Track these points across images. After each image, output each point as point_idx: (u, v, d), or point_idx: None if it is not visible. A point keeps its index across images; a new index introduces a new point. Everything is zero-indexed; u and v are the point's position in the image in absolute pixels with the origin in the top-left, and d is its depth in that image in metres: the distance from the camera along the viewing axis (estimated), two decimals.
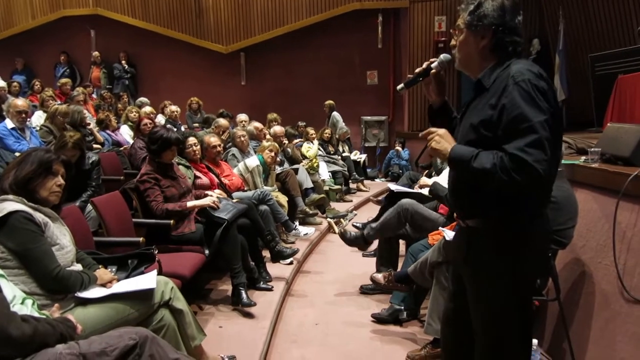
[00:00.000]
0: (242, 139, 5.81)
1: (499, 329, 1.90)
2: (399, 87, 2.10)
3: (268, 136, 6.62)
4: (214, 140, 4.90)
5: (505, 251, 1.83)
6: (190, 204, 3.77)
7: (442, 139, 1.83)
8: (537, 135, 1.62)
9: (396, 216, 3.89)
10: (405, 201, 3.93)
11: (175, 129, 5.40)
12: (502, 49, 1.82)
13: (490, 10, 1.80)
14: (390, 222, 3.92)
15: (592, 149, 3.35)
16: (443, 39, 9.75)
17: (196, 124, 8.26)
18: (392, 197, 4.93)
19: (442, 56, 2.02)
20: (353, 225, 5.33)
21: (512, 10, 1.81)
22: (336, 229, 6.26)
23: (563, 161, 3.50)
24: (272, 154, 5.38)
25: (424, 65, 2.06)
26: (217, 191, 4.47)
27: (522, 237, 1.82)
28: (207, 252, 3.55)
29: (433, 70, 2.04)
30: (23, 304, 1.98)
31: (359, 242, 4.09)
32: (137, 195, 3.86)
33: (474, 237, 1.92)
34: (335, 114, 9.72)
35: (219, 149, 4.92)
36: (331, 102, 9.87)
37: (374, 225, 4.02)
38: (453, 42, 1.96)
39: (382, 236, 4.11)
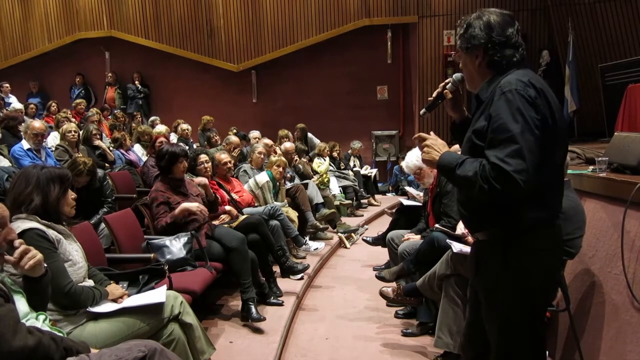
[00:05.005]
0: (261, 155, 5.86)
1: (509, 341, 1.90)
2: (422, 111, 2.19)
3: (278, 151, 6.68)
4: (224, 157, 4.96)
5: (511, 263, 1.84)
6: (177, 210, 3.72)
7: (430, 149, 1.89)
8: (518, 146, 1.66)
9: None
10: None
11: (187, 147, 5.47)
12: (496, 64, 1.88)
13: (477, 30, 1.87)
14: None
15: (600, 159, 3.34)
16: (452, 52, 9.79)
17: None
18: (402, 211, 4.96)
19: (454, 76, 2.09)
20: (363, 240, 5.33)
21: (500, 25, 1.87)
22: (347, 244, 6.30)
23: (571, 171, 3.51)
24: (280, 169, 5.42)
25: (439, 88, 2.11)
26: (228, 207, 4.53)
27: (529, 250, 1.83)
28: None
29: (446, 91, 2.09)
30: (37, 319, 2.03)
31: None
32: (149, 212, 3.93)
33: (482, 249, 1.96)
34: (309, 135, 9.46)
35: (229, 165, 4.98)
36: (303, 125, 9.39)
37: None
38: (461, 65, 2.04)
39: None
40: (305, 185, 6.24)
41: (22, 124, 5.97)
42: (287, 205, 5.53)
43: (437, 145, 1.90)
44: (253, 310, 3.57)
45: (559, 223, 1.92)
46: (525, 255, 1.83)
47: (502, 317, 1.90)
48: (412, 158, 3.94)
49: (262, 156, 5.86)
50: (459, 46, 1.95)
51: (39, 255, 1.95)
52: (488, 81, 1.90)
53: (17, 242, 1.88)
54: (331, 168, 8.17)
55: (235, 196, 4.83)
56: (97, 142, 6.01)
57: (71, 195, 2.49)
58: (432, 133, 2.00)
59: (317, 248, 5.40)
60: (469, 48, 1.91)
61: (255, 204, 5.11)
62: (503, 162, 1.66)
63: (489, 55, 1.87)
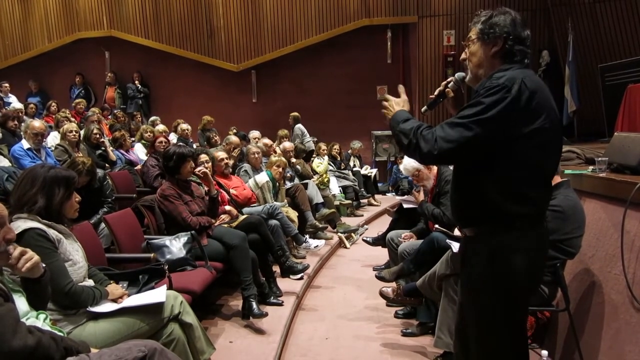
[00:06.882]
0: (256, 155, 5.89)
1: (488, 340, 1.92)
2: (423, 109, 2.23)
3: (278, 150, 6.68)
4: (220, 153, 5.03)
5: (495, 261, 1.85)
6: (217, 223, 4.07)
7: (387, 109, 1.99)
8: (461, 121, 1.76)
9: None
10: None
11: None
12: (510, 57, 1.88)
13: (501, 20, 1.89)
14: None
15: (600, 159, 3.34)
16: (452, 52, 9.82)
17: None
18: (401, 211, 4.96)
19: (456, 75, 2.10)
20: (363, 240, 5.33)
21: (521, 24, 1.90)
22: (347, 244, 6.30)
23: (571, 171, 3.51)
24: (280, 169, 5.44)
25: (441, 87, 2.13)
26: (228, 207, 4.53)
27: (513, 249, 1.83)
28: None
29: (448, 89, 2.11)
30: (37, 318, 2.03)
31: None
32: (150, 212, 3.93)
33: (469, 245, 1.98)
34: (299, 126, 9.46)
35: (226, 161, 5.02)
36: (296, 114, 9.62)
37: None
38: (463, 55, 2.02)
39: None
40: (305, 185, 6.24)
41: (23, 124, 5.98)
42: (287, 205, 5.53)
43: (394, 102, 2.00)
44: (254, 306, 3.56)
45: (546, 224, 1.94)
46: (510, 253, 1.83)
47: (482, 314, 1.91)
48: (410, 160, 3.94)
49: (257, 155, 5.88)
50: (478, 32, 1.92)
51: (36, 257, 1.94)
52: (489, 77, 1.87)
53: (10, 247, 1.87)
54: (331, 168, 8.17)
55: (233, 191, 4.84)
56: (103, 140, 6.03)
57: (76, 197, 2.50)
58: (400, 86, 2.11)
59: (317, 246, 5.39)
60: (490, 34, 1.89)
61: (256, 204, 5.11)
62: (440, 126, 1.77)
63: (509, 45, 1.87)
